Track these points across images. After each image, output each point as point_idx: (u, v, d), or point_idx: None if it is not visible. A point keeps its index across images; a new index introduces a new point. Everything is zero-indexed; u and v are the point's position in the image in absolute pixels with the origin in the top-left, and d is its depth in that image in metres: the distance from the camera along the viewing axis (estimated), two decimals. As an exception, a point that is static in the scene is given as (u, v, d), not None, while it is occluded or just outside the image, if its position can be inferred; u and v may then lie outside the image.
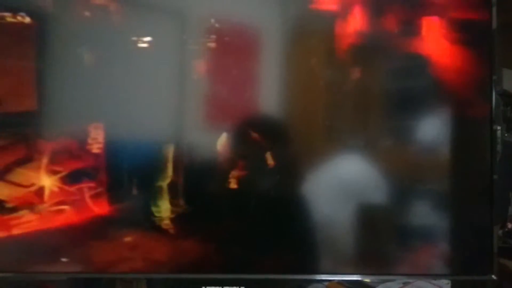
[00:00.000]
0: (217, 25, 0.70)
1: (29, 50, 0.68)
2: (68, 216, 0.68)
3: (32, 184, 0.68)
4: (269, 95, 0.72)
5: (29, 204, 0.67)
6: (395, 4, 0.72)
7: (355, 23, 0.71)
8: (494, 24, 0.72)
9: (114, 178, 0.69)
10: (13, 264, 0.67)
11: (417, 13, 0.73)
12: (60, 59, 0.69)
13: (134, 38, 0.69)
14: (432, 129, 0.72)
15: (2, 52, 0.68)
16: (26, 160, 0.68)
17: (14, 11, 0.67)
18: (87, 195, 0.68)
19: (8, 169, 0.67)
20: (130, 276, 0.68)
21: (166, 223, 0.69)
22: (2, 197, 0.67)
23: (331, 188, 0.72)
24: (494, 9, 0.72)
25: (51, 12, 0.68)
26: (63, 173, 0.68)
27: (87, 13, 0.68)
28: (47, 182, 0.68)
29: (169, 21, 0.71)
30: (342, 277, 0.71)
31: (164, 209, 0.69)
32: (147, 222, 0.68)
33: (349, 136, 0.72)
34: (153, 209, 0.69)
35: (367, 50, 0.72)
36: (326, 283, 0.70)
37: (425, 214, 0.71)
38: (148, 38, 0.69)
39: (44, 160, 0.68)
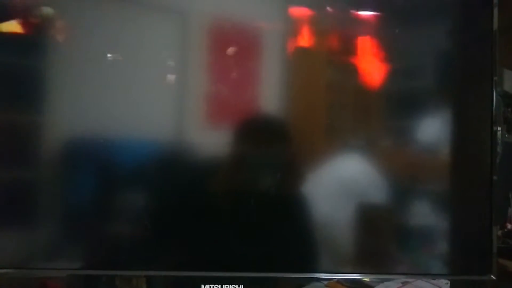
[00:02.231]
0: (216, 24, 0.70)
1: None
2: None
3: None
4: (269, 94, 0.72)
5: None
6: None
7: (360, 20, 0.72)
8: (495, 25, 0.72)
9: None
10: (12, 260, 0.67)
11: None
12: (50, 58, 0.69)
13: (128, 37, 0.69)
14: (433, 129, 0.72)
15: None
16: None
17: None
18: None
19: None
20: (129, 273, 0.68)
21: (163, 222, 0.68)
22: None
23: (330, 188, 0.72)
24: (495, 10, 0.72)
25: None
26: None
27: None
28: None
29: (168, 20, 0.71)
30: (342, 276, 0.70)
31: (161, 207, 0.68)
32: (144, 220, 0.68)
33: (349, 135, 0.73)
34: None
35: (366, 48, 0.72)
36: (325, 282, 0.70)
37: (425, 214, 0.71)
38: (142, 37, 0.69)
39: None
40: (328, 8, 0.71)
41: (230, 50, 0.69)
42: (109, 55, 0.68)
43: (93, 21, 0.68)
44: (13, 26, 0.66)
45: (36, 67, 0.68)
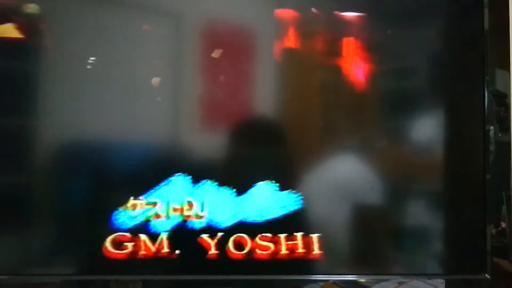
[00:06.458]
0: (207, 27, 0.70)
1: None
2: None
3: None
4: (262, 96, 0.72)
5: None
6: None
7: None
8: (487, 25, 0.72)
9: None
10: (5, 266, 0.67)
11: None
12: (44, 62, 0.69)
13: (121, 40, 0.69)
14: (426, 129, 0.73)
15: None
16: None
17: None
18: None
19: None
20: (125, 278, 0.68)
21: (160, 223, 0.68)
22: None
23: (325, 189, 0.72)
24: (486, 10, 0.73)
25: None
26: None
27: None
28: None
29: (163, 22, 0.71)
30: (337, 277, 0.71)
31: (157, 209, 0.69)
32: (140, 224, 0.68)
33: (342, 136, 0.73)
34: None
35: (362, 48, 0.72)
36: (321, 284, 0.70)
37: (419, 214, 0.72)
38: (140, 38, 0.69)
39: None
40: (320, 10, 0.72)
41: (218, 53, 0.69)
42: (102, 58, 0.68)
43: (86, 24, 0.68)
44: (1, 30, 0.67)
45: (29, 71, 0.68)
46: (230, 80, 0.71)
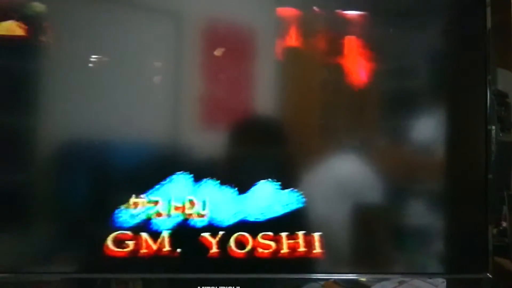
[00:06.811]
0: (207, 25, 0.70)
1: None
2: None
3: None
4: (263, 95, 0.72)
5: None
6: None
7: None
8: (489, 24, 0.72)
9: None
10: (5, 264, 0.67)
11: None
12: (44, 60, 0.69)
13: (121, 39, 0.69)
14: (427, 129, 0.73)
15: None
16: None
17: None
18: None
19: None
20: (125, 276, 0.68)
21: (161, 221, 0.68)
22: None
23: (326, 188, 0.72)
24: (488, 9, 0.73)
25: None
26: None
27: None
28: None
29: (165, 21, 0.71)
30: (338, 276, 0.71)
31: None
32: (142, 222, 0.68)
33: (343, 135, 0.73)
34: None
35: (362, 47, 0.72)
36: (322, 283, 0.70)
37: (420, 213, 0.72)
38: (142, 36, 0.69)
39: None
40: (322, 9, 0.72)
41: (220, 51, 0.69)
42: (102, 57, 0.68)
43: (88, 23, 0.68)
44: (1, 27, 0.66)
45: (32, 69, 0.68)
46: (231, 78, 0.71)
